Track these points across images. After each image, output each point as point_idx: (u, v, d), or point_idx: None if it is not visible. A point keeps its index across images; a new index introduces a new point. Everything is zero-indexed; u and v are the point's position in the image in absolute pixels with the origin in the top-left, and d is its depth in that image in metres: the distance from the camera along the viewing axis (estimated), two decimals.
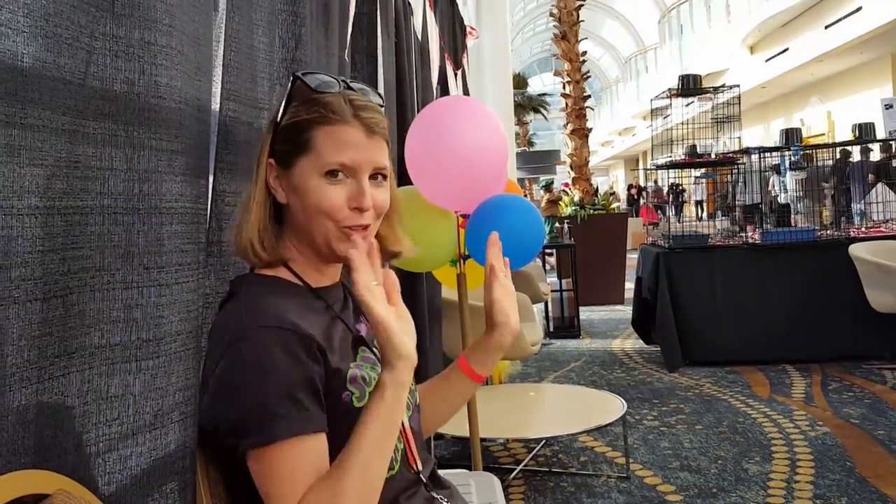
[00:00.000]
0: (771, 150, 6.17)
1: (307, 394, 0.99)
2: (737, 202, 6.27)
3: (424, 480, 1.21)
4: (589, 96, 11.02)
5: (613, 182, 37.43)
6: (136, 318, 0.93)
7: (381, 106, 1.15)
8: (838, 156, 8.87)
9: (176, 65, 1.04)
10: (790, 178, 8.20)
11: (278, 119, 1.13)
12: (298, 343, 1.00)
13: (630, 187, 23.92)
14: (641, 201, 20.11)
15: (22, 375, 0.79)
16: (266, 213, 1.11)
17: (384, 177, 1.13)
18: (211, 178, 1.26)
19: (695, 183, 16.16)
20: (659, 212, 14.90)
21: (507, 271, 1.26)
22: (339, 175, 1.07)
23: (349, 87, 1.13)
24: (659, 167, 5.98)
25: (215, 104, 1.30)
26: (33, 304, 0.81)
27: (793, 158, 6.71)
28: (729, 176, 6.08)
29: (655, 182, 12.54)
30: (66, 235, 0.86)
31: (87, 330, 0.88)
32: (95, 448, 0.88)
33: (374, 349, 1.17)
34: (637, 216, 17.53)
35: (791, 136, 6.10)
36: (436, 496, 1.22)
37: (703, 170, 6.56)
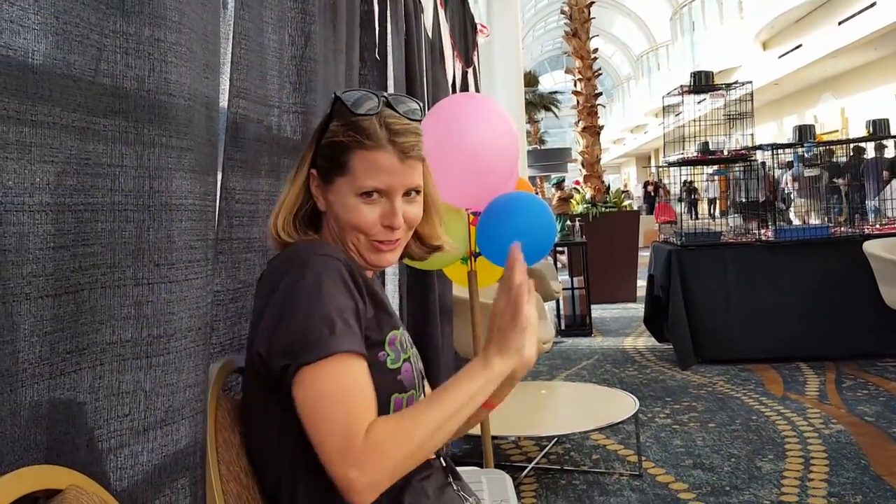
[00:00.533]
0: (783, 146, 6.12)
1: (356, 322, 1.05)
2: (740, 199, 6.20)
3: (443, 465, 1.25)
4: (600, 93, 10.98)
5: (626, 179, 37.27)
6: (146, 314, 0.94)
7: (418, 119, 1.18)
8: (852, 153, 8.79)
9: (185, 62, 1.04)
10: (802, 175, 8.15)
11: (319, 134, 1.19)
12: (351, 276, 1.08)
13: (646, 184, 22.65)
14: (658, 199, 19.26)
15: (34, 371, 0.80)
16: (294, 211, 1.18)
17: (417, 192, 1.19)
18: (220, 176, 1.27)
19: (707, 180, 16.01)
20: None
21: (530, 296, 1.23)
22: (374, 195, 1.14)
23: (388, 104, 1.16)
24: (671, 164, 5.95)
25: (224, 101, 1.31)
26: (45, 300, 0.81)
27: (806, 155, 6.66)
28: (739, 173, 6.02)
29: (660, 179, 12.38)
30: (77, 232, 0.87)
31: (97, 326, 0.88)
32: (108, 444, 0.88)
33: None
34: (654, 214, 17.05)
35: (804, 133, 6.05)
36: (451, 482, 1.24)
37: (715, 167, 6.51)
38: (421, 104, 1.22)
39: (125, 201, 0.93)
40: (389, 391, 1.12)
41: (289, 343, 1.01)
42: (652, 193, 20.96)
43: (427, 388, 1.32)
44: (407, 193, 1.17)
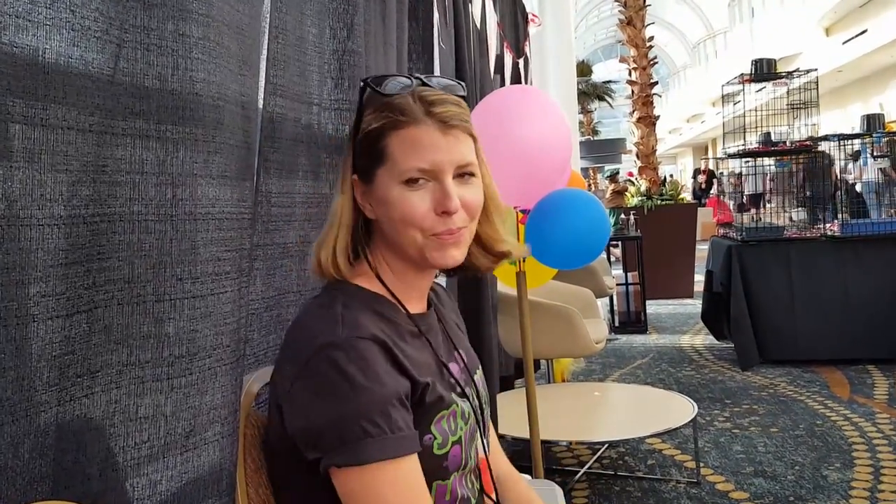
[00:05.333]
0: (851, 136, 5.83)
1: (400, 411, 0.92)
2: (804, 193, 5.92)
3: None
4: (656, 83, 10.72)
5: (682, 170, 36.43)
6: (167, 332, 0.87)
7: (463, 96, 1.05)
8: None
9: (214, 58, 0.97)
10: (871, 167, 7.78)
11: (354, 132, 1.05)
12: (391, 359, 0.94)
13: (697, 172, 18.00)
14: (713, 191, 14.94)
15: (40, 399, 0.73)
16: (347, 234, 1.04)
17: (471, 174, 1.02)
18: (255, 179, 1.19)
19: (752, 173, 15.16)
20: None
21: None
22: (420, 180, 0.98)
23: (423, 83, 1.02)
24: (730, 156, 5.73)
25: (260, 100, 1.23)
26: (54, 321, 0.75)
27: (874, 145, 6.34)
28: (803, 165, 5.77)
29: (713, 169, 11.58)
30: (92, 245, 0.80)
31: (113, 346, 0.81)
32: (123, 473, 0.82)
33: (466, 389, 1.09)
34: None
35: (873, 122, 5.76)
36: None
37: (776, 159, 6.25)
38: (462, 84, 1.07)
39: (145, 211, 0.86)
40: (432, 478, 0.98)
41: (315, 438, 0.89)
42: (703, 186, 16.79)
43: (481, 444, 1.15)
44: (460, 175, 1.00)
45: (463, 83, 1.08)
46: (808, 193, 5.81)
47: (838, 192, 5.89)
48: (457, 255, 1.02)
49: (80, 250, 0.79)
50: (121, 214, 0.83)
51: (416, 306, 1.09)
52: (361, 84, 1.03)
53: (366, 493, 0.89)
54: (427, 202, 0.98)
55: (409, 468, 0.91)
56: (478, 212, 1.04)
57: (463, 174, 1.01)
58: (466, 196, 1.00)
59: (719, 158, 6.02)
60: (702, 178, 16.94)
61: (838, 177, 6.55)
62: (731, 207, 5.96)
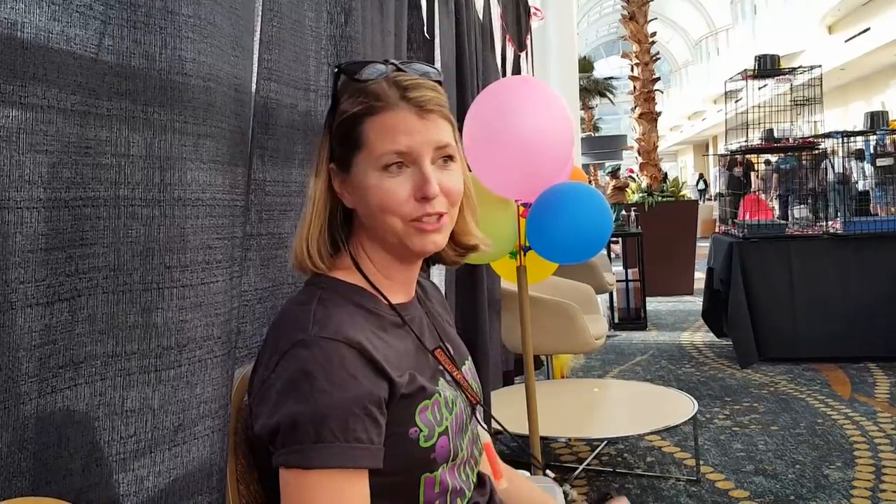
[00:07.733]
0: (854, 134, 5.79)
1: (361, 421, 0.88)
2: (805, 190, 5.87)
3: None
4: (658, 79, 10.67)
5: (683, 168, 36.29)
6: (155, 323, 0.83)
7: (439, 82, 1.03)
8: None
9: (205, 38, 0.94)
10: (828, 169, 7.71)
11: (330, 119, 1.02)
12: (363, 363, 0.90)
13: (733, 164, 14.57)
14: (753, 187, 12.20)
15: (19, 390, 0.70)
16: (322, 222, 1.01)
17: (450, 157, 1.00)
18: (248, 166, 1.16)
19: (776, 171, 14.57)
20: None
21: None
22: (399, 165, 0.96)
23: (399, 69, 1.00)
24: (734, 153, 5.69)
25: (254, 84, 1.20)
26: (34, 309, 0.72)
27: (879, 143, 6.31)
28: (806, 162, 5.73)
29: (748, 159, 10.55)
30: (74, 231, 0.77)
31: (98, 336, 0.78)
32: (107, 469, 0.78)
33: (453, 377, 1.06)
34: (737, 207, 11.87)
35: (877, 120, 5.72)
36: None
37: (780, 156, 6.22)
38: (438, 69, 1.06)
39: (131, 195, 0.82)
40: (421, 470, 0.95)
41: (270, 434, 0.87)
42: (742, 179, 13.46)
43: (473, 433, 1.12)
44: (440, 160, 0.98)
45: (439, 69, 1.05)
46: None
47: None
48: (438, 240, 0.99)
49: (62, 235, 0.75)
50: (105, 198, 0.80)
51: (400, 298, 1.05)
52: (335, 70, 1.01)
53: (300, 497, 0.85)
54: (406, 188, 0.96)
55: (354, 486, 0.87)
56: (458, 198, 1.01)
57: (443, 158, 0.99)
58: (446, 181, 0.98)
59: (721, 155, 5.98)
60: (738, 170, 14.25)
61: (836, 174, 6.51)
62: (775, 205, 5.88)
